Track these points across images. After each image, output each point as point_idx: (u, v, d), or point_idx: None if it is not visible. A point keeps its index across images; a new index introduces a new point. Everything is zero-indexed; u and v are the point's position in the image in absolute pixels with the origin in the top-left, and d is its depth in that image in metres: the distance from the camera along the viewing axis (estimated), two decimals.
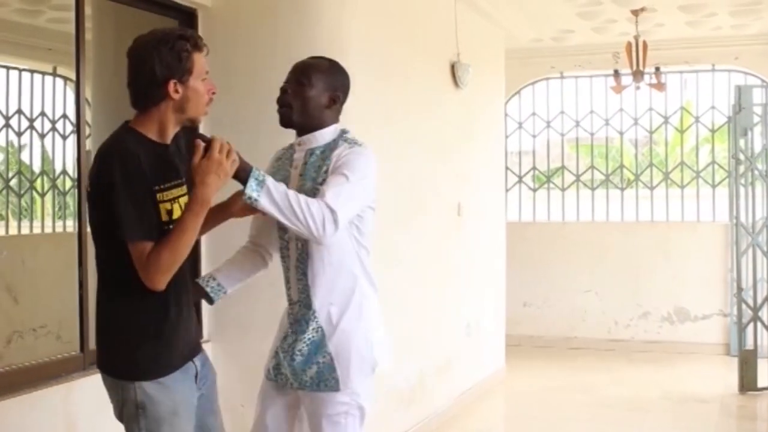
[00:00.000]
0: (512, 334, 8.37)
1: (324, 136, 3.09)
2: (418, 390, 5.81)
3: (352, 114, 4.77)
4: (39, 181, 5.64)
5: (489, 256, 7.42)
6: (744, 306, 7.13)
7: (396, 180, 5.33)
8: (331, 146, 3.07)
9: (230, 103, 4.78)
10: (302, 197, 2.82)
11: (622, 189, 9.42)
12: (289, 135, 4.49)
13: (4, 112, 5.10)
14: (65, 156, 5.33)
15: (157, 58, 2.64)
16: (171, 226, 2.65)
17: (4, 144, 5.39)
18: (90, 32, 4.31)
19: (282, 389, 3.14)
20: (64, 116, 5.22)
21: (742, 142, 7.32)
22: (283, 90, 3.08)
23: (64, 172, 5.45)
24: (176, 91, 2.65)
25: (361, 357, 3.05)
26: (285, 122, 3.07)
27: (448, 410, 6.29)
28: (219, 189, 2.66)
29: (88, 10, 4.16)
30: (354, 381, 3.03)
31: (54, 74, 5.33)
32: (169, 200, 2.68)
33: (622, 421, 6.40)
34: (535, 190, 9.67)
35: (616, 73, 8.20)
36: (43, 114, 5.27)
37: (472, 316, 6.92)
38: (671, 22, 8.06)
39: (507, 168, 9.02)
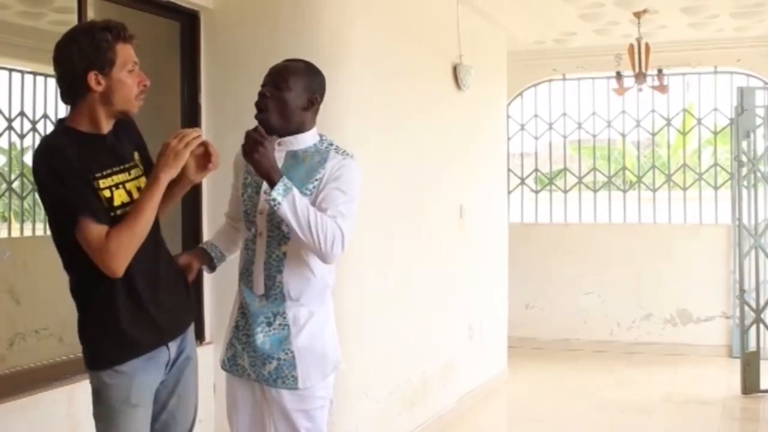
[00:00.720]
0: (514, 336, 8.36)
1: (305, 139, 3.11)
2: (421, 392, 5.80)
3: (354, 116, 4.79)
4: None
5: (491, 258, 7.42)
6: (746, 308, 7.12)
7: (397, 182, 5.33)
8: (320, 154, 3.08)
9: (232, 103, 4.79)
10: (320, 215, 2.88)
11: (625, 191, 9.41)
12: None
13: (7, 115, 5.10)
14: None
15: (77, 50, 2.63)
16: (114, 213, 2.66)
17: (6, 146, 5.39)
18: None
19: (246, 383, 3.13)
20: None
21: (744, 144, 7.32)
22: (262, 94, 3.07)
23: None
24: (98, 83, 2.64)
25: (325, 357, 3.09)
26: (263, 126, 3.03)
27: (451, 412, 6.28)
28: (173, 175, 2.70)
29: (90, 12, 4.17)
30: (313, 380, 3.04)
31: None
32: (108, 187, 2.66)
33: (625, 423, 6.39)
34: (537, 192, 9.66)
35: (619, 75, 8.19)
36: (45, 116, 5.27)
37: (475, 318, 6.92)
38: (673, 24, 8.06)
39: (509, 170, 9.01)
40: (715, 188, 9.05)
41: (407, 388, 5.60)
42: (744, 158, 7.29)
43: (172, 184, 2.79)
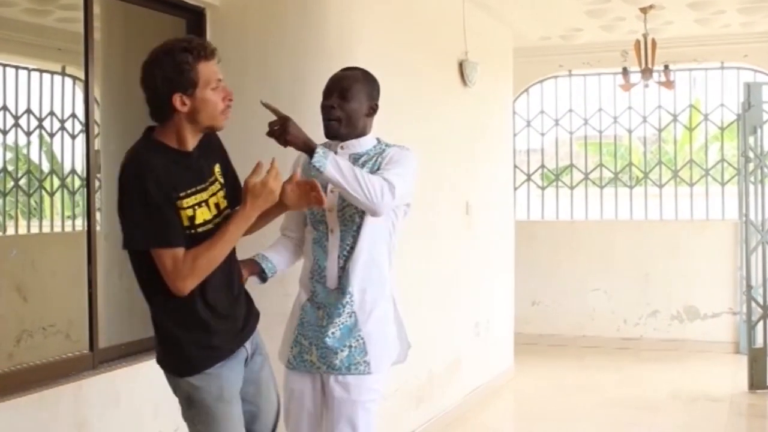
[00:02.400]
0: (521, 332, 8.36)
1: (366, 142, 3.28)
2: (428, 389, 5.80)
3: None
4: (48, 180, 5.65)
5: (497, 254, 7.42)
6: (754, 304, 7.11)
7: None
8: (379, 154, 3.25)
9: (239, 101, 4.78)
10: (363, 170, 3.06)
11: (631, 187, 9.40)
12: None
13: (14, 112, 5.10)
14: (74, 155, 5.34)
15: (160, 74, 2.70)
16: (194, 231, 2.77)
17: (13, 143, 5.40)
18: (99, 32, 4.32)
19: (306, 376, 3.25)
20: (73, 116, 5.23)
21: (751, 140, 7.30)
22: (330, 107, 3.21)
23: (73, 171, 5.45)
24: (183, 104, 2.71)
25: (393, 342, 3.30)
26: (332, 135, 3.23)
27: (457, 409, 6.28)
28: (264, 208, 2.85)
29: (96, 9, 4.17)
30: (383, 365, 3.22)
31: (63, 74, 5.34)
32: (191, 206, 2.77)
33: (632, 419, 6.38)
34: (543, 189, 9.65)
35: (625, 71, 8.18)
36: (52, 113, 5.27)
37: (481, 315, 6.91)
38: (680, 20, 8.04)
39: (515, 166, 9.00)
40: (722, 184, 9.03)
41: (414, 385, 5.60)
42: (751, 154, 7.28)
43: (269, 209, 2.95)
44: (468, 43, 6.42)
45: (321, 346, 3.18)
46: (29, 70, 5.23)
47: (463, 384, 6.46)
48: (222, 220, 2.85)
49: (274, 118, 3.10)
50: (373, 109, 3.28)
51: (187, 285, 2.71)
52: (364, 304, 3.19)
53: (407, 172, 3.17)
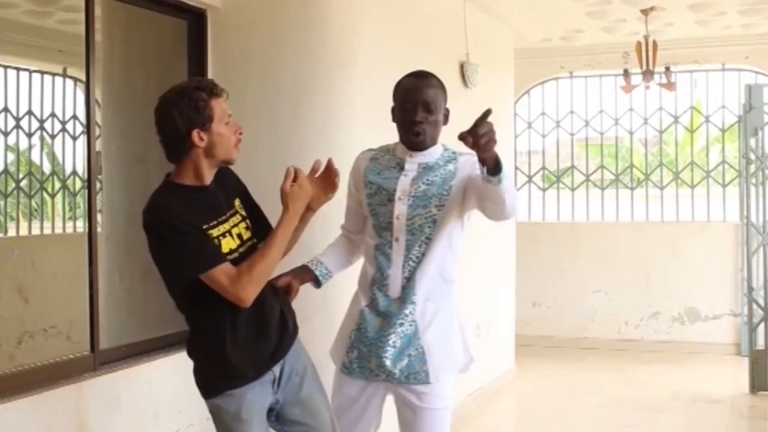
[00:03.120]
0: (522, 334, 8.36)
1: (435, 151, 3.25)
2: None
3: (362, 114, 4.79)
4: (49, 181, 5.66)
5: (498, 256, 7.41)
6: (755, 306, 7.11)
7: None
8: (449, 162, 3.23)
9: (241, 103, 4.79)
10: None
11: (632, 189, 9.40)
12: (304, 139, 4.50)
13: (15, 114, 5.11)
14: (75, 157, 5.34)
15: (176, 113, 2.83)
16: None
17: (14, 145, 5.41)
18: (100, 33, 4.32)
19: (362, 382, 3.24)
20: (74, 117, 5.24)
21: (752, 142, 7.30)
22: (419, 122, 3.17)
23: (74, 172, 5.46)
24: (201, 139, 2.85)
25: (453, 352, 3.22)
26: (419, 147, 3.21)
27: (458, 410, 6.27)
28: (303, 207, 2.99)
29: (98, 11, 4.16)
30: (442, 374, 3.16)
31: (64, 75, 5.35)
32: (216, 237, 2.88)
33: (632, 421, 6.38)
34: (544, 190, 9.65)
35: (626, 73, 8.18)
36: (53, 115, 5.28)
37: (482, 316, 6.91)
38: (681, 22, 8.04)
39: (516, 168, 9.01)
40: (723, 186, 9.03)
41: None
42: (752, 156, 7.28)
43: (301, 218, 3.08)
44: (469, 44, 6.42)
45: (381, 354, 3.14)
46: (30, 71, 5.24)
47: (464, 385, 6.45)
48: (247, 250, 2.95)
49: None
50: (446, 117, 3.25)
51: (249, 293, 2.83)
52: (425, 313, 3.15)
53: None
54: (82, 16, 4.09)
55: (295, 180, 2.97)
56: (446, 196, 3.13)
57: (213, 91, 2.88)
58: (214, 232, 2.87)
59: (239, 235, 2.97)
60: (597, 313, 9.08)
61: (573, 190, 9.54)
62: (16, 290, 4.86)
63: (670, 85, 8.20)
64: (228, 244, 2.90)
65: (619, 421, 6.40)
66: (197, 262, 2.81)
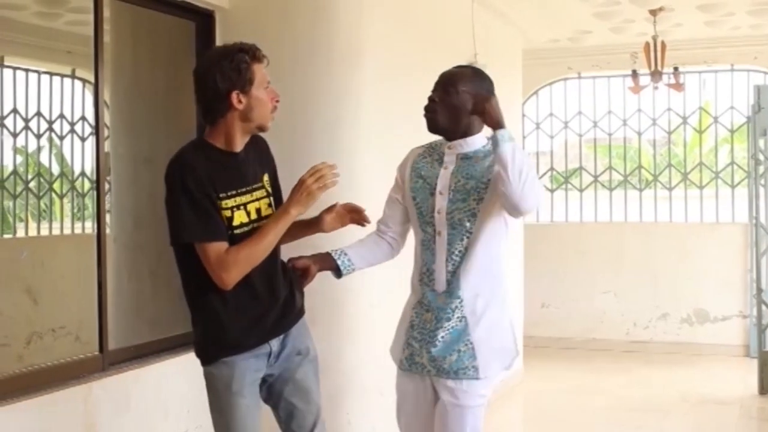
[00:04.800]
0: (530, 335, 8.35)
1: (474, 141, 3.23)
2: None
3: (369, 114, 4.79)
4: (58, 183, 5.67)
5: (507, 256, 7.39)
6: (764, 307, 7.08)
7: None
8: (486, 153, 3.19)
9: None
10: (532, 172, 2.98)
11: (641, 190, 9.38)
12: (311, 139, 4.51)
13: (24, 115, 5.12)
14: (84, 158, 5.36)
15: (219, 73, 2.89)
16: (231, 232, 2.91)
17: (23, 146, 5.42)
18: (108, 35, 4.33)
19: (417, 378, 3.26)
20: (83, 118, 5.25)
21: (761, 142, 7.28)
22: (431, 99, 3.25)
23: (82, 174, 5.47)
24: (239, 102, 2.90)
25: (503, 348, 3.23)
26: (431, 127, 3.25)
27: None
28: (303, 212, 2.96)
29: (106, 12, 4.18)
30: (491, 371, 3.17)
31: (72, 77, 5.36)
32: (230, 208, 2.93)
33: (641, 423, 6.37)
34: (552, 191, 9.64)
35: (634, 74, 8.16)
36: (62, 116, 5.29)
37: None
38: (689, 22, 8.02)
39: None
40: (732, 187, 9.00)
41: None
42: (761, 156, 7.26)
43: (302, 225, 3.17)
44: (477, 45, 6.41)
45: (430, 349, 3.17)
46: (39, 73, 5.25)
47: None
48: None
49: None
50: (477, 107, 3.17)
51: (231, 277, 2.86)
52: (475, 308, 3.15)
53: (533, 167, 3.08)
54: (90, 17, 4.11)
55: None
56: (484, 190, 3.13)
57: (255, 55, 2.94)
58: (230, 203, 2.92)
59: (258, 210, 3.00)
60: (605, 314, 9.06)
61: (581, 191, 9.53)
62: (25, 291, 4.87)
63: (678, 86, 8.18)
64: (240, 218, 2.94)
65: (627, 422, 6.39)
66: (193, 231, 2.86)
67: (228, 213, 2.91)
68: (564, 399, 7.12)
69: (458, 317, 3.15)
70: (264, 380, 3.10)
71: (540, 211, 9.55)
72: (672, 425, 6.32)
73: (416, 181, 3.28)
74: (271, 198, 3.07)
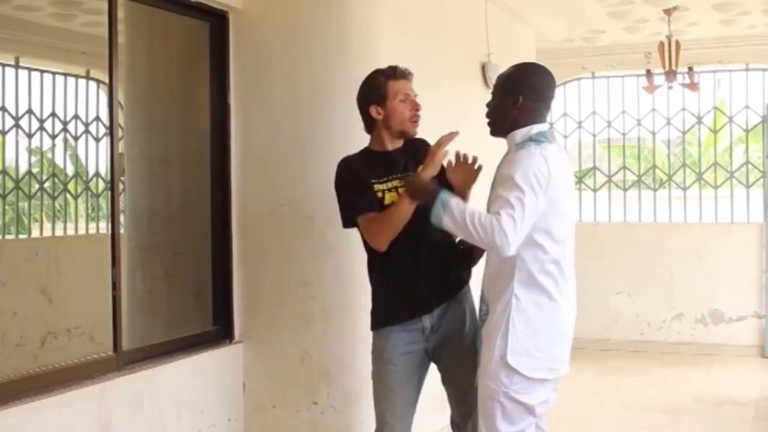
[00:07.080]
0: None
1: (515, 136, 3.28)
2: None
3: None
4: (72, 183, 5.69)
5: None
6: None
7: None
8: (519, 147, 3.23)
9: (261, 103, 4.80)
10: (477, 216, 3.03)
11: (655, 190, 9.34)
12: (325, 138, 4.51)
13: (39, 115, 5.15)
14: (98, 158, 5.38)
15: (361, 92, 3.60)
16: (384, 209, 3.44)
17: (38, 147, 5.44)
18: (122, 35, 4.35)
19: None
20: (97, 119, 5.27)
21: None
22: (486, 106, 3.44)
23: (97, 174, 5.49)
24: (378, 113, 3.55)
25: (499, 352, 3.26)
26: (491, 132, 3.45)
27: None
28: (431, 173, 3.35)
29: (120, 13, 4.19)
30: (490, 369, 3.27)
31: (87, 77, 5.38)
32: (381, 190, 3.49)
33: (656, 424, 6.34)
34: None
35: (649, 73, 8.14)
36: (76, 117, 5.32)
37: None
38: (704, 21, 7.99)
39: None
40: (747, 187, 8.94)
41: (437, 388, 5.57)
42: None
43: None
44: (490, 45, 6.40)
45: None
46: (54, 73, 5.27)
47: None
48: None
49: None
50: (515, 102, 3.23)
51: (379, 242, 3.39)
52: (492, 313, 3.31)
53: (526, 187, 3.05)
54: (105, 18, 4.13)
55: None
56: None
57: (390, 73, 3.55)
58: (382, 186, 3.49)
59: None
60: (619, 314, 9.02)
61: (595, 191, 9.49)
62: (39, 291, 4.90)
63: (693, 86, 8.15)
64: (390, 198, 3.46)
65: (641, 423, 6.36)
66: (351, 209, 3.47)
67: (380, 194, 3.46)
68: (577, 400, 7.10)
69: (481, 316, 3.46)
70: (425, 352, 3.60)
71: None
72: (686, 426, 6.29)
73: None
74: None
